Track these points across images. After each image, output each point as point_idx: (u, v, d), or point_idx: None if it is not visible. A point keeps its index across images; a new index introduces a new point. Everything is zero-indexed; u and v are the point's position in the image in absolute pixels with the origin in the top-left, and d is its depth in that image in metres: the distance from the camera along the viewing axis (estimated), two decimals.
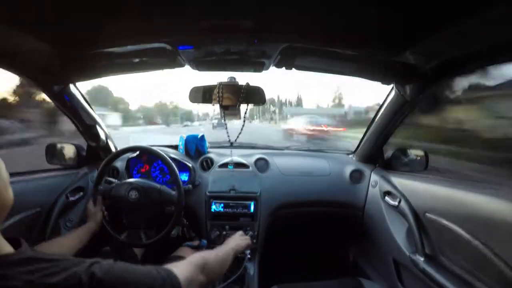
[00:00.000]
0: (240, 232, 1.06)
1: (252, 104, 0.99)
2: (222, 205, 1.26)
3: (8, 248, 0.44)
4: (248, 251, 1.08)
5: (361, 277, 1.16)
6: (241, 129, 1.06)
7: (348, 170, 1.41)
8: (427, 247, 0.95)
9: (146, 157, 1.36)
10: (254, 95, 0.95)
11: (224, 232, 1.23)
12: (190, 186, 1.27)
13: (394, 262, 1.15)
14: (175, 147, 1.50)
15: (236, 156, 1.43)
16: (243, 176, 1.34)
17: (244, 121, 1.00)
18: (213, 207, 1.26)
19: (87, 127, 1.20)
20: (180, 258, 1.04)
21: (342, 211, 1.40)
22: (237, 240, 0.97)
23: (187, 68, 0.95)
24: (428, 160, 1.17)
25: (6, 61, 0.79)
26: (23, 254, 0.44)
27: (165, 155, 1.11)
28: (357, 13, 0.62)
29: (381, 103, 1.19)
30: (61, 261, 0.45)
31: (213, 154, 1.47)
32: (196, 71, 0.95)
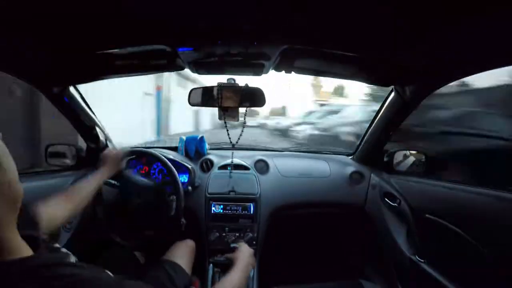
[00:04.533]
0: (243, 249, 0.88)
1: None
2: (221, 206, 1.26)
3: (27, 251, 0.40)
4: None
5: (361, 278, 1.16)
6: (242, 131, 1.06)
7: (348, 171, 1.41)
8: (427, 248, 0.95)
9: (145, 159, 1.36)
10: (254, 97, 0.95)
11: (224, 234, 1.23)
12: (190, 187, 1.26)
13: (394, 263, 1.14)
14: (175, 149, 1.50)
15: (236, 157, 1.43)
16: (243, 177, 1.33)
17: (244, 123, 1.00)
18: (213, 208, 1.26)
19: (86, 128, 1.20)
20: (175, 264, 0.99)
21: (342, 212, 1.40)
22: (247, 260, 0.82)
23: (186, 71, 0.95)
24: (428, 162, 1.17)
25: (5, 63, 0.79)
26: (43, 259, 0.40)
27: (162, 156, 1.11)
28: (357, 15, 0.62)
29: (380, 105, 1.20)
30: (94, 280, 0.40)
31: (213, 155, 1.47)
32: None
